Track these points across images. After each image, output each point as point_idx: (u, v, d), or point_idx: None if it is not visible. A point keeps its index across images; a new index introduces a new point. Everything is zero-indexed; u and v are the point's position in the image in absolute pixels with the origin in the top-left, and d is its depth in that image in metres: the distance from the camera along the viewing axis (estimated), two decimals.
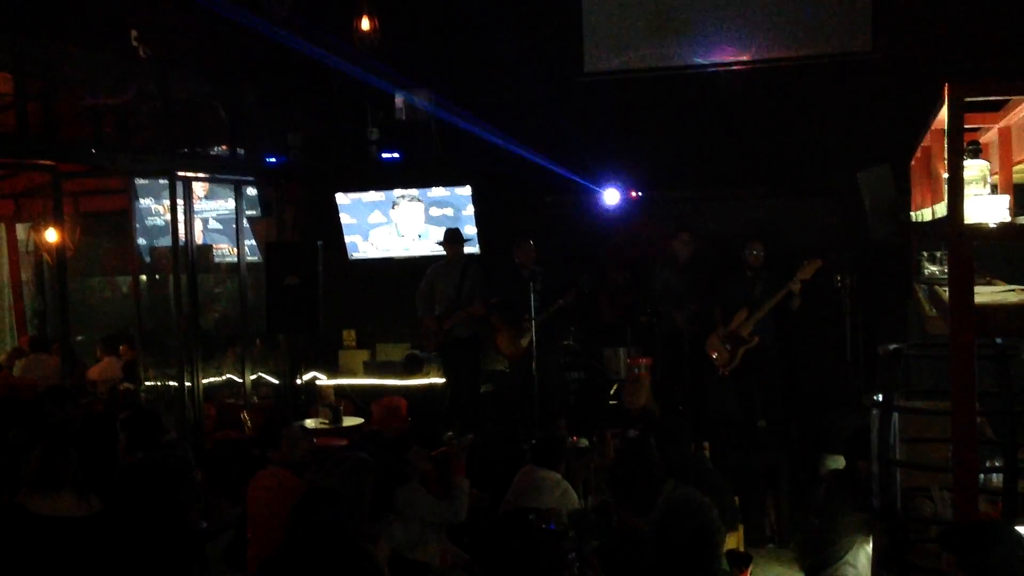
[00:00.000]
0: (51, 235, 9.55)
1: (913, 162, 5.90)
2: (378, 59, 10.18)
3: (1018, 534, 3.23)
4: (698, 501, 3.55)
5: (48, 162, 8.63)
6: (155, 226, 11.23)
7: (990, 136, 4.61)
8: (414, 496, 5.69)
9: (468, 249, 9.70)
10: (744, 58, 10.17)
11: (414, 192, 10.52)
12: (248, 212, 10.75)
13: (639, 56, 10.54)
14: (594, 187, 9.79)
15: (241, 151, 10.54)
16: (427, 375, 9.97)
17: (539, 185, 10.14)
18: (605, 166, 9.86)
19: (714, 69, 10.23)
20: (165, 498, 5.30)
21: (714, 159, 10.01)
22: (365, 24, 9.55)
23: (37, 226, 11.15)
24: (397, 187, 10.55)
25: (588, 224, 10.02)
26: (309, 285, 9.15)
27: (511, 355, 9.28)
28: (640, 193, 9.93)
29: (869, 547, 5.19)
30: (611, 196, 9.76)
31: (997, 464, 3.97)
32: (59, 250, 9.59)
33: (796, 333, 8.83)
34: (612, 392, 9.36)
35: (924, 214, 5.33)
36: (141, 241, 11.31)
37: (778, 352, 8.75)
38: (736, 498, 6.19)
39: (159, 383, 9.93)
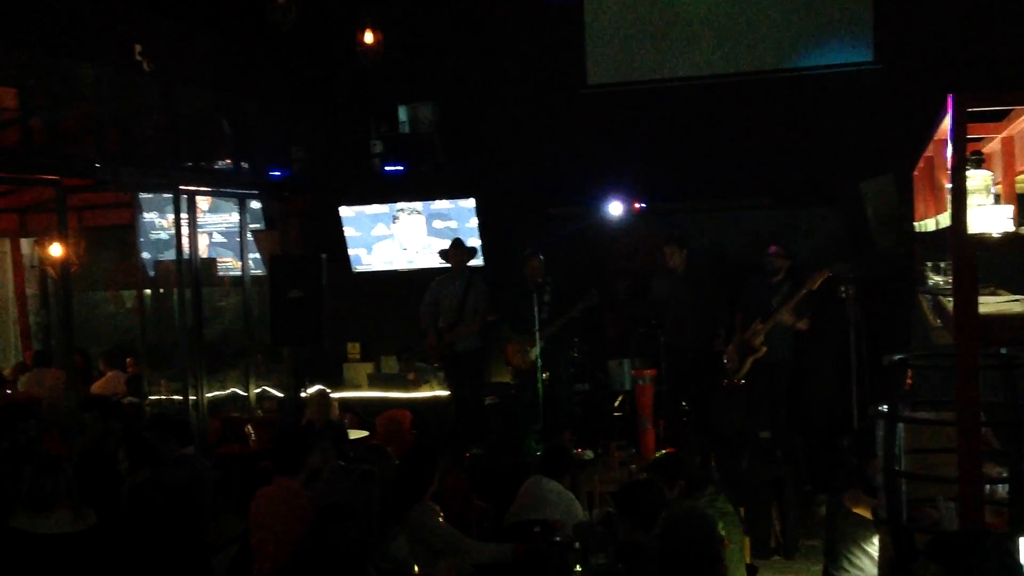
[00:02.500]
0: (55, 249, 9.56)
1: (916, 172, 5.90)
2: (381, 72, 10.20)
3: (1005, 543, 3.21)
4: (701, 513, 3.56)
5: (52, 176, 8.64)
6: (159, 240, 11.24)
7: (993, 146, 4.61)
8: (426, 517, 5.60)
9: (473, 262, 9.69)
10: (747, 69, 10.18)
11: (415, 205, 10.52)
12: (252, 225, 10.77)
13: (642, 68, 10.55)
14: (598, 199, 9.78)
15: (245, 164, 10.56)
16: (430, 387, 9.96)
17: (543, 197, 10.14)
18: (609, 178, 9.85)
19: (717, 80, 10.24)
20: (169, 518, 5.27)
21: (718, 170, 10.00)
22: (368, 37, 9.56)
23: (41, 241, 11.16)
24: (401, 200, 10.54)
25: (592, 235, 10.02)
26: (313, 298, 9.14)
27: (520, 367, 9.24)
28: (643, 205, 9.93)
29: (872, 550, 5.21)
30: (615, 208, 9.76)
31: (1002, 475, 3.96)
32: (63, 264, 9.61)
33: (801, 344, 8.80)
34: (616, 404, 9.34)
35: (927, 224, 5.34)
36: (145, 255, 11.32)
37: (793, 368, 8.70)
38: (742, 509, 6.18)
39: (163, 397, 9.93)
